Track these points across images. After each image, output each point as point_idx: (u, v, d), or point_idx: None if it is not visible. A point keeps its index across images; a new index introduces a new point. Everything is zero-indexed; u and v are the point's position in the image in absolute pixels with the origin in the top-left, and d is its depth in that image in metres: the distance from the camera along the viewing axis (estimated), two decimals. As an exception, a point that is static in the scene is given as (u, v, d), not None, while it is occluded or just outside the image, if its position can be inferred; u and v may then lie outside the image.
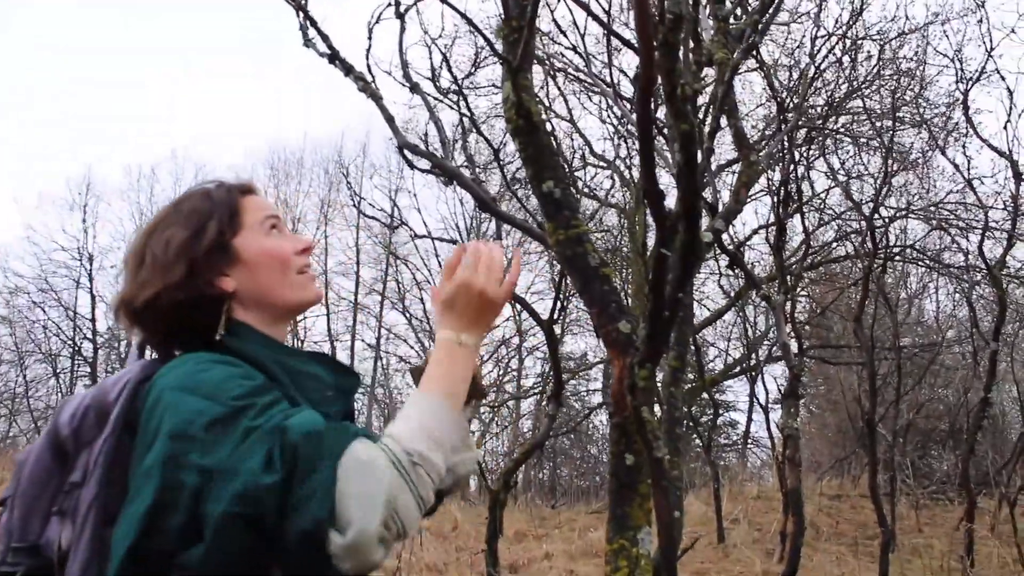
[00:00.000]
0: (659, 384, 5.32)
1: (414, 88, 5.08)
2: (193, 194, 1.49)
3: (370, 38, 5.48)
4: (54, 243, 27.76)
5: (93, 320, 28.18)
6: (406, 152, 5.31)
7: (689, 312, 6.40)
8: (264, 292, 1.45)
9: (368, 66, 5.51)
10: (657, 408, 5.65)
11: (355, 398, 1.64)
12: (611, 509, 2.81)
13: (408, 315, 27.91)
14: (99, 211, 29.71)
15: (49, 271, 27.83)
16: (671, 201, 2.13)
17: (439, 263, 26.75)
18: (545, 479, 25.17)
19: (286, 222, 1.64)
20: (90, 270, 28.10)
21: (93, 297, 28.11)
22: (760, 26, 3.53)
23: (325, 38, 4.88)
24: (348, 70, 4.85)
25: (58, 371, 28.19)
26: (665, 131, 7.29)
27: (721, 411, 23.28)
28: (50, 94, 41.30)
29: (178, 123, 43.25)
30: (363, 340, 27.81)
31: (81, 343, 28.25)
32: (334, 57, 4.88)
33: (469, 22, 3.01)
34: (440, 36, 6.26)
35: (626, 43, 4.66)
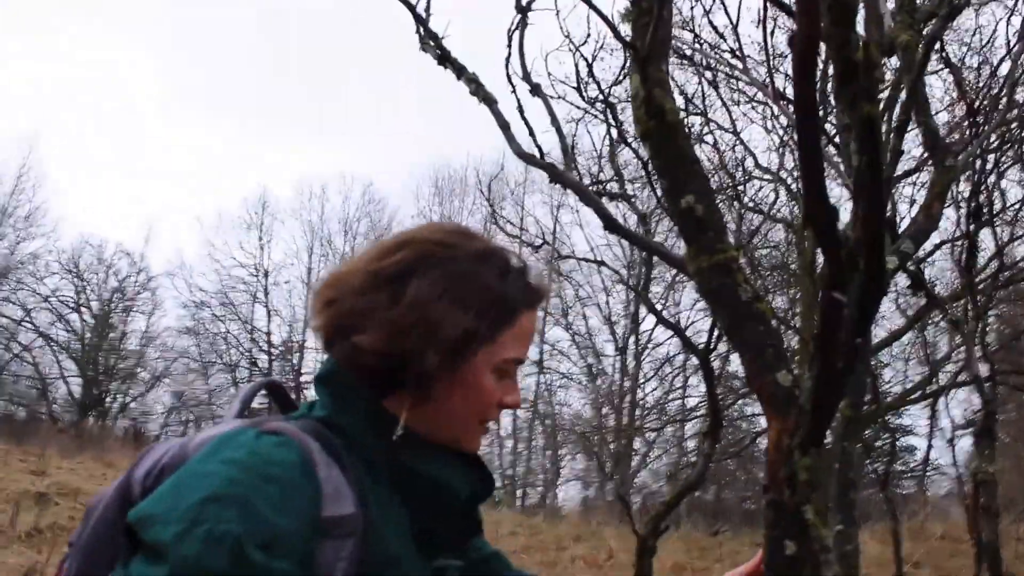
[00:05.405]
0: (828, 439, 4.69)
1: (534, 90, 4.77)
2: (496, 257, 1.29)
3: (509, 46, 5.27)
4: (233, 259, 29.78)
5: (268, 333, 29.90)
6: (553, 166, 5.03)
7: (868, 356, 5.65)
8: (444, 412, 1.27)
9: (508, 76, 5.31)
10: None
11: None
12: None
13: (571, 331, 28.01)
14: (274, 229, 31.45)
15: (228, 286, 29.89)
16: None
17: (601, 281, 26.75)
18: (709, 502, 24.29)
19: None
20: (266, 285, 29.89)
21: (268, 311, 29.94)
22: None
23: (435, 37, 4.63)
24: (460, 72, 4.62)
25: (238, 381, 29.88)
26: (835, 139, 6.55)
27: (898, 436, 21.71)
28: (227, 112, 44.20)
29: (343, 140, 45.37)
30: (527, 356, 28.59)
31: (257, 355, 29.92)
32: (444, 59, 4.67)
33: (590, 4, 2.57)
34: (585, 42, 5.83)
35: (783, 7, 4.06)
